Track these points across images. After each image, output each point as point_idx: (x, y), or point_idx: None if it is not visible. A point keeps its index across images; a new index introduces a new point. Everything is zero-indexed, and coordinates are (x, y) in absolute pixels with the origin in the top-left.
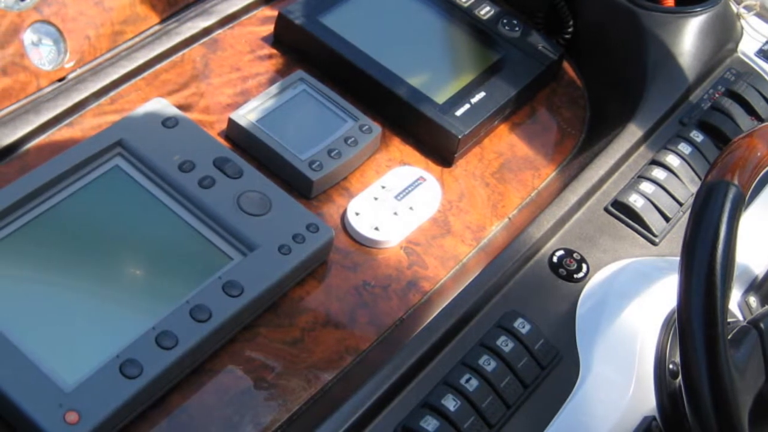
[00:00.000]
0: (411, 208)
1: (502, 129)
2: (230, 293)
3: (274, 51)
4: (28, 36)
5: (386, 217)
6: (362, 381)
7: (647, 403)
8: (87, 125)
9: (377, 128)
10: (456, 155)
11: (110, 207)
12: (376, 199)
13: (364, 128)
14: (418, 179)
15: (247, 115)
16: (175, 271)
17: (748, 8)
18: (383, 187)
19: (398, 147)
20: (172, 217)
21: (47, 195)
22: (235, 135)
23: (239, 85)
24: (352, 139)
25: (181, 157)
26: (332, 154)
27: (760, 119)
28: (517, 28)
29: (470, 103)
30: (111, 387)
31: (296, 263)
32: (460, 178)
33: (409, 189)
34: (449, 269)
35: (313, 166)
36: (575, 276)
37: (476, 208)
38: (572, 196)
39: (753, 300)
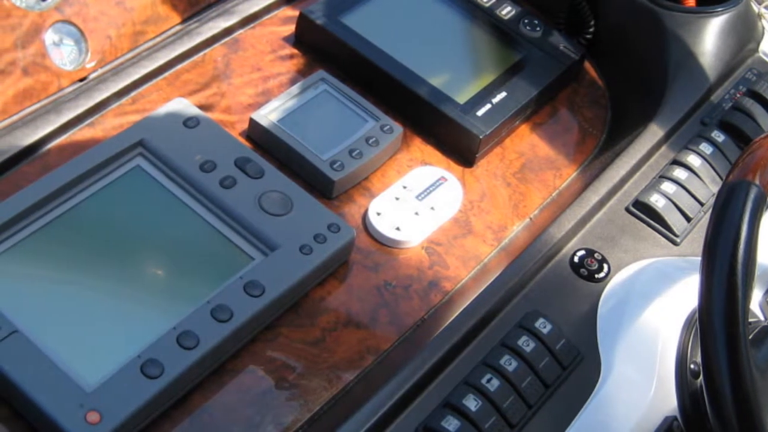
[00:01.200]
0: (432, 208)
1: (524, 129)
2: (251, 293)
3: (295, 51)
4: (49, 36)
5: (407, 217)
6: (383, 381)
7: (668, 403)
8: (108, 125)
9: (398, 128)
10: (477, 155)
11: (131, 207)
12: (397, 199)
13: (385, 128)
14: (439, 179)
15: (268, 115)
16: (196, 271)
17: None
18: (404, 187)
19: (419, 147)
20: (193, 217)
21: (68, 195)
22: (257, 135)
23: (260, 85)
24: (374, 139)
25: (203, 157)
26: (353, 154)
27: None
28: (538, 28)
29: (491, 103)
30: (132, 387)
31: (317, 263)
32: (481, 178)
33: (431, 189)
34: (470, 269)
35: (335, 166)
36: (596, 276)
37: (497, 208)
38: (593, 196)
39: None
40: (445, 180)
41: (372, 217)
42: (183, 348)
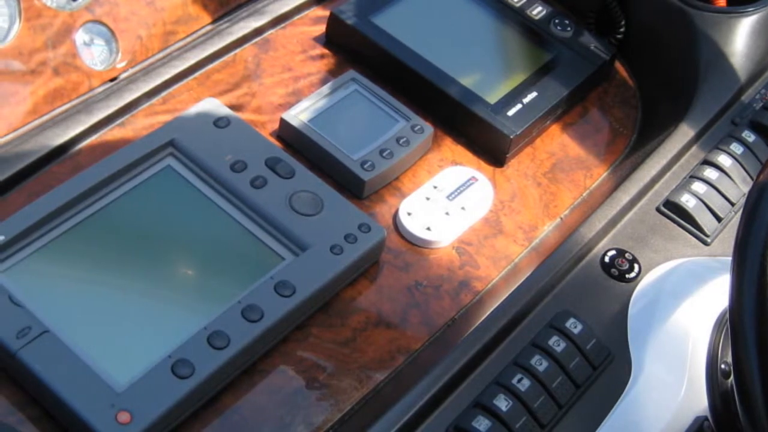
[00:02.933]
0: (463, 208)
1: (554, 129)
2: (282, 293)
3: (325, 51)
4: (80, 36)
5: (438, 217)
6: (414, 381)
7: (699, 403)
8: (139, 125)
9: (429, 128)
10: (508, 155)
11: (162, 207)
12: (428, 199)
13: (416, 128)
14: (470, 179)
15: (298, 115)
16: (226, 271)
17: None
18: (435, 187)
19: (450, 147)
20: (223, 217)
21: (99, 195)
22: (287, 135)
23: (291, 85)
24: (404, 139)
25: (233, 157)
26: (384, 154)
27: None
28: (569, 28)
29: (522, 103)
30: (163, 387)
31: (348, 263)
32: (512, 178)
33: (461, 189)
34: (501, 269)
35: (365, 166)
36: (627, 276)
37: (528, 208)
38: (624, 196)
39: None
40: (476, 180)
41: (403, 217)
42: (214, 348)
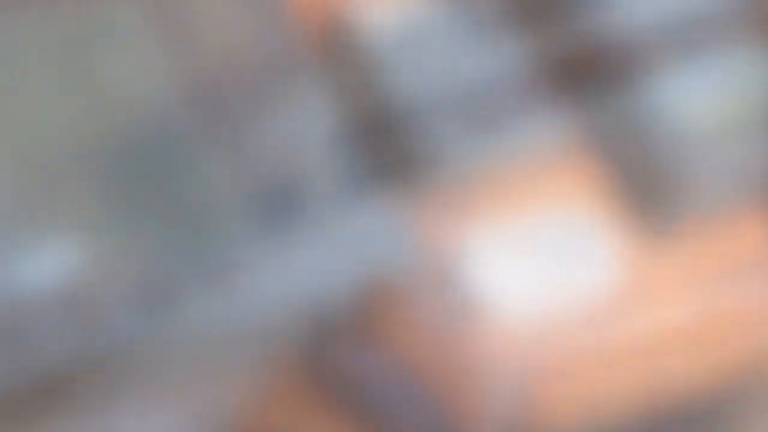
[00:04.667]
0: (565, 274)
1: None
2: None
3: None
4: None
5: (520, 273)
6: None
7: None
8: None
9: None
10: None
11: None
12: (516, 238)
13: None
14: (597, 235)
15: (372, 15)
16: None
17: None
18: (536, 225)
19: (593, 170)
20: None
21: None
22: (337, 41)
23: None
24: None
25: None
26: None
27: None
28: None
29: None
30: None
31: None
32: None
33: (566, 245)
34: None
35: (441, 138)
36: None
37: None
38: None
39: None
40: (598, 242)
41: (472, 252)
42: None
